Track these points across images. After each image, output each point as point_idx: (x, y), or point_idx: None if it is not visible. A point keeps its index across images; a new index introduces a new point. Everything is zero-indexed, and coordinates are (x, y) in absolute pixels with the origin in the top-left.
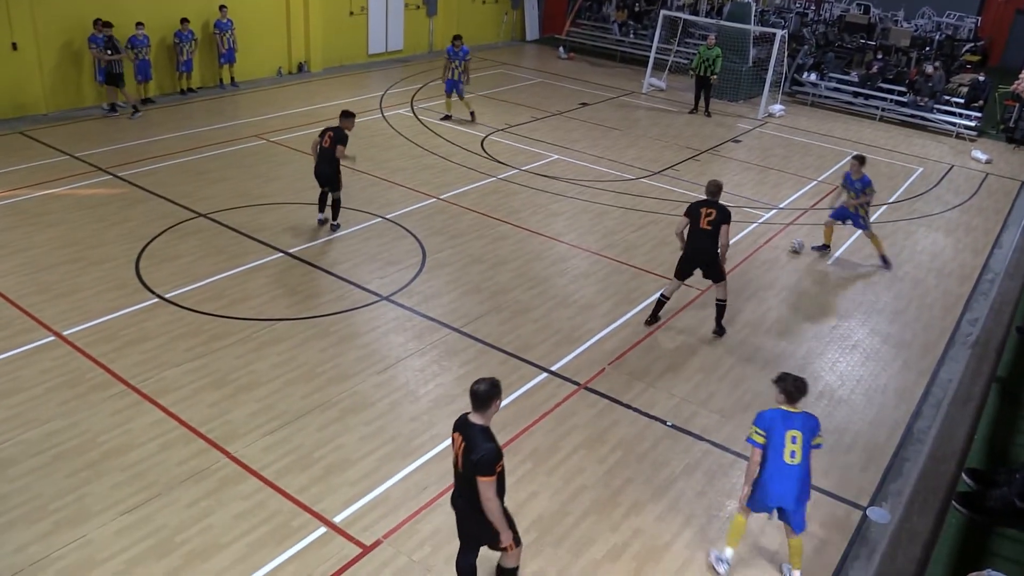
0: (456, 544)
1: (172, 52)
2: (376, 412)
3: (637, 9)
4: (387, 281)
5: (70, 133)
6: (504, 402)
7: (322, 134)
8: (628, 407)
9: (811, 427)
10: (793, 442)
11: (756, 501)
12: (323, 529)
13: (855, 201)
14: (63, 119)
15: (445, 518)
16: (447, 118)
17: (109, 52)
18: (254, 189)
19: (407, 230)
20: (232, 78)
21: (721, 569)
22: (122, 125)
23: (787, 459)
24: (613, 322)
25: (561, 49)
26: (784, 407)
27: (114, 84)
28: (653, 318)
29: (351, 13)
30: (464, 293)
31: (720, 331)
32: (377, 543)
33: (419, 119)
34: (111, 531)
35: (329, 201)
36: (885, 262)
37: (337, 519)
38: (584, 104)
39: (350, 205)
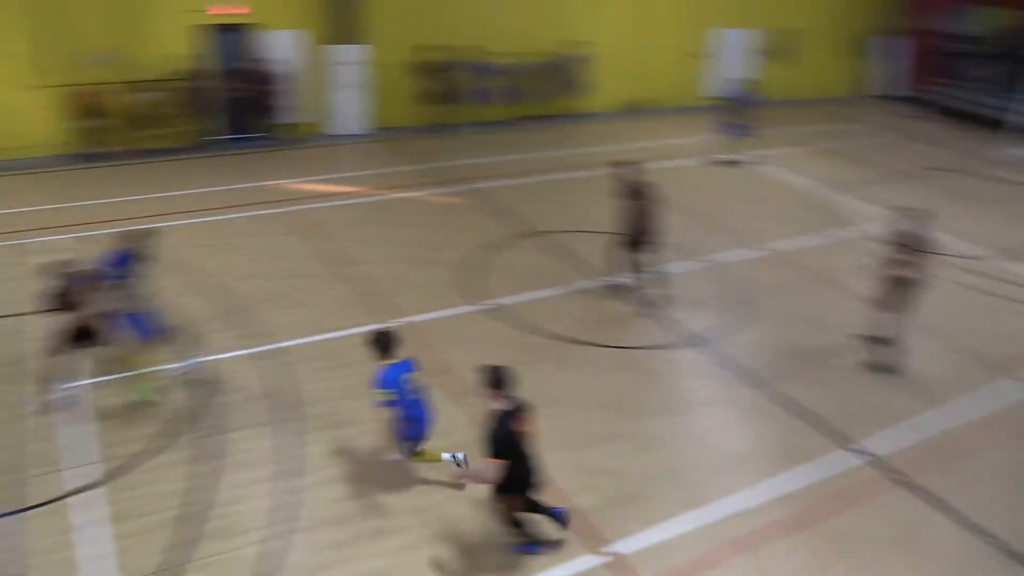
0: None
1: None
2: (677, 455)
3: None
4: (704, 326)
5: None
6: (801, 482)
7: None
8: (957, 516)
9: (411, 366)
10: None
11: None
12: (599, 562)
13: None
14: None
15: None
16: (734, 163)
17: None
18: (594, 216)
19: (732, 278)
20: (586, 109)
21: (460, 455)
22: (491, 140)
23: (417, 396)
24: (958, 412)
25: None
26: (389, 361)
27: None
28: None
29: (697, 55)
30: (783, 352)
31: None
32: None
33: (754, 166)
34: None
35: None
36: None
37: (622, 547)
38: (934, 168)
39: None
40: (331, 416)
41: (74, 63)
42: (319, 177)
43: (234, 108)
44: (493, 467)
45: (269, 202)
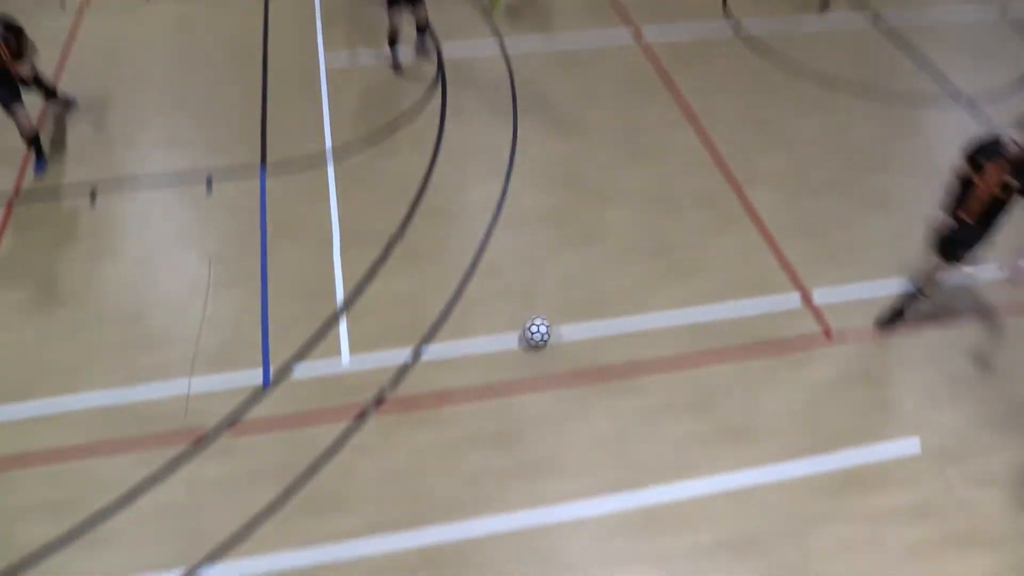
0: None
1: None
2: (900, 219)
3: None
4: (980, 85)
5: None
6: None
7: None
8: None
9: None
10: None
11: None
12: (798, 302)
13: None
14: None
15: (912, 342)
16: None
17: None
18: None
19: None
20: None
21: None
22: None
23: None
24: None
25: None
26: None
27: None
28: None
29: None
30: None
31: None
32: (842, 337)
33: None
34: (625, 215)
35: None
36: None
37: (816, 297)
38: None
39: None
40: (552, 123)
41: None
42: None
43: None
44: None
45: None
